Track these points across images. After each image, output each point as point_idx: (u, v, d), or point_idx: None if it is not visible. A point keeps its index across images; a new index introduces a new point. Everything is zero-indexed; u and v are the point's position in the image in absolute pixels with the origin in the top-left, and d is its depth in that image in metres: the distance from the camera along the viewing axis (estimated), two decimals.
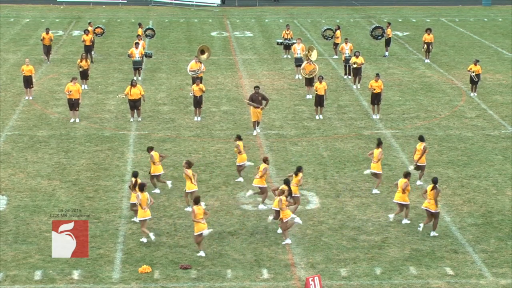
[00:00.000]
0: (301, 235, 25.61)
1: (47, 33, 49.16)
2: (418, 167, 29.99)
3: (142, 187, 25.03)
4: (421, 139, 30.20)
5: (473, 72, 42.13)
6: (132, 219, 26.26)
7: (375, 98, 38.18)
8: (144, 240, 24.87)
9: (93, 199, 28.30)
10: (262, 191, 27.69)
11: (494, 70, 48.27)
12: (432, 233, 25.59)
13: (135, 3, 75.53)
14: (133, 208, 25.99)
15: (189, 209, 26.70)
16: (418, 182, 29.83)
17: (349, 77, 45.62)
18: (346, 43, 46.50)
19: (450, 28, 63.47)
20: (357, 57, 43.44)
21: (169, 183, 28.90)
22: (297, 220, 24.85)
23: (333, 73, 47.27)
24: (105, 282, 22.49)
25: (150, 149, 28.93)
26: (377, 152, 29.00)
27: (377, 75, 38.81)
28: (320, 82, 37.78)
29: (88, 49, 49.22)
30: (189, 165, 27.02)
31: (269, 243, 25.01)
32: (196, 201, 24.08)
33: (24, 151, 33.13)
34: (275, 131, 36.03)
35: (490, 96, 42.28)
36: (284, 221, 24.78)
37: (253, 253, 24.29)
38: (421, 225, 25.76)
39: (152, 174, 28.84)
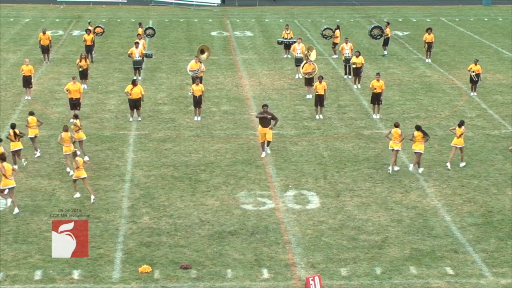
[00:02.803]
0: (301, 234, 25.62)
1: (44, 33, 49.19)
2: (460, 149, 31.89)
3: (3, 158, 26.97)
4: (461, 123, 31.77)
5: (473, 72, 42.14)
6: None
7: (376, 98, 38.19)
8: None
9: None
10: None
11: (494, 70, 48.28)
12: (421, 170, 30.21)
13: (135, 2, 75.56)
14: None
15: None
16: (462, 164, 31.79)
17: (349, 76, 45.63)
18: (346, 43, 46.51)
19: (450, 27, 63.49)
20: (357, 57, 43.47)
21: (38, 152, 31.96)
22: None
23: (333, 73, 47.28)
24: (105, 282, 22.50)
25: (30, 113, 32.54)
26: (459, 130, 31.45)
27: (378, 74, 38.81)
28: (320, 82, 37.79)
29: (89, 49, 49.24)
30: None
31: (269, 242, 25.02)
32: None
33: (24, 150, 33.09)
34: (275, 131, 36.00)
35: (490, 95, 42.28)
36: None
37: (253, 253, 24.30)
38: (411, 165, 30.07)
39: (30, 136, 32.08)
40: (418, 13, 70.45)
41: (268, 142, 32.74)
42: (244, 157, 32.73)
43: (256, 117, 33.27)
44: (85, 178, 28.04)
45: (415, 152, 30.94)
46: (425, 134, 30.70)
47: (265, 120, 32.24)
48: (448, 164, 31.45)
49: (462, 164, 31.66)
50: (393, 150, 30.98)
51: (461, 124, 31.66)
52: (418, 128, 30.93)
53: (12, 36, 58.25)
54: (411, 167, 31.14)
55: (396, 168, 31.08)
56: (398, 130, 30.95)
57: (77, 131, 31.94)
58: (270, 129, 32.42)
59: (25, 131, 32.29)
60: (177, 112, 39.10)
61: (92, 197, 27.98)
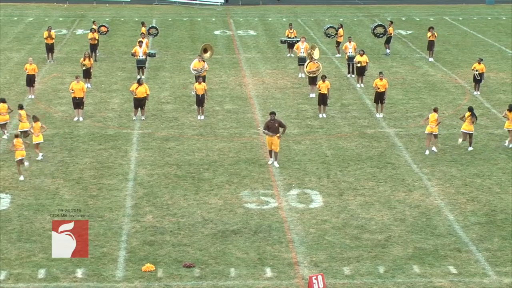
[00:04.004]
0: (304, 233, 25.62)
1: (49, 31, 49.21)
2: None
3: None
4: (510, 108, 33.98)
5: (477, 71, 42.11)
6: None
7: (379, 97, 38.18)
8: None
9: (96, 197, 28.32)
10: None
11: (497, 69, 48.24)
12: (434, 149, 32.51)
13: (139, 1, 75.60)
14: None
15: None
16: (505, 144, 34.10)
17: (353, 75, 45.62)
18: (349, 42, 46.52)
19: (453, 26, 63.46)
20: (361, 55, 43.49)
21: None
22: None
23: (337, 72, 47.27)
24: (108, 281, 22.51)
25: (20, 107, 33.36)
26: (467, 115, 33.43)
27: (381, 73, 38.80)
28: (324, 81, 37.79)
29: (94, 47, 49.28)
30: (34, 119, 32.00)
31: (272, 241, 25.02)
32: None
33: (27, 149, 33.12)
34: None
35: (494, 94, 42.24)
36: None
37: (256, 252, 24.30)
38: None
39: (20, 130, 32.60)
40: (421, 12, 70.41)
41: (276, 154, 31.46)
42: (247, 156, 32.73)
43: (263, 132, 31.67)
44: (22, 159, 29.93)
45: (464, 132, 33.44)
46: (473, 116, 33.29)
47: (273, 128, 31.03)
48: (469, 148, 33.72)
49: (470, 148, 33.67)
50: (429, 134, 33.05)
51: (470, 109, 33.79)
52: (470, 109, 33.54)
53: (16, 35, 58.30)
54: (470, 148, 33.54)
55: (434, 149, 33.12)
56: (435, 115, 32.94)
57: (22, 121, 33.19)
58: (278, 138, 31.07)
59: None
60: (180, 111, 39.11)
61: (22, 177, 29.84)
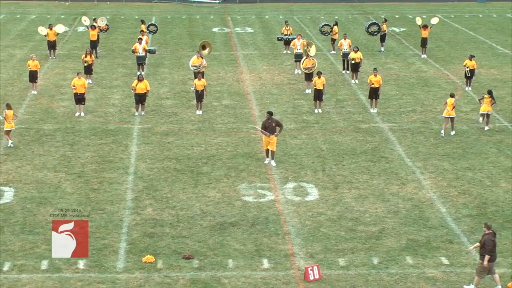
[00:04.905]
0: (300, 226, 25.66)
1: (51, 28, 49.17)
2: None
3: None
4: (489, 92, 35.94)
5: (467, 68, 42.15)
6: None
7: (373, 93, 38.20)
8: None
9: (98, 190, 28.34)
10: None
11: (488, 65, 48.28)
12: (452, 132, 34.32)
13: None
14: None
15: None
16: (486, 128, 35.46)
17: (347, 72, 45.63)
18: (344, 39, 46.53)
19: (445, 24, 63.45)
20: (355, 52, 43.51)
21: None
22: None
23: (332, 68, 47.28)
24: (109, 272, 22.54)
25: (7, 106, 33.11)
26: (486, 97, 35.64)
27: (375, 69, 38.82)
28: (319, 77, 37.80)
29: (94, 44, 49.23)
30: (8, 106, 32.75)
31: (269, 233, 25.06)
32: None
33: (30, 144, 33.17)
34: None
35: (485, 90, 42.08)
36: None
37: (254, 243, 24.33)
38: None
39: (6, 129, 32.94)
40: (414, 10, 70.38)
41: (273, 153, 31.08)
42: (244, 150, 32.76)
43: (261, 132, 31.25)
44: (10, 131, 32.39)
45: (482, 114, 35.89)
46: (492, 98, 35.54)
47: (270, 128, 30.71)
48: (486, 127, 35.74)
49: (486, 128, 35.68)
50: (447, 117, 34.76)
51: (489, 92, 35.96)
52: (489, 92, 35.71)
53: (19, 32, 58.24)
54: (486, 128, 35.55)
55: (452, 133, 34.69)
56: (452, 100, 34.63)
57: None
58: (275, 136, 30.69)
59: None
60: (179, 106, 39.11)
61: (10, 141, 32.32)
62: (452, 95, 35.22)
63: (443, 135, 34.46)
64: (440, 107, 39.18)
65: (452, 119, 34.93)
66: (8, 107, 32.94)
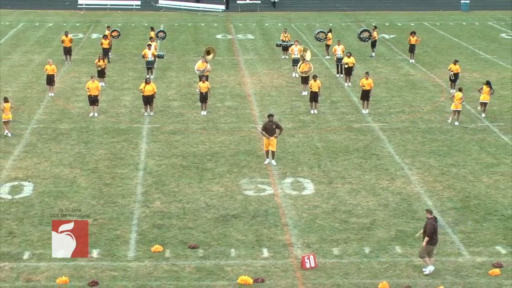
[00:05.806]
0: (297, 218, 25.65)
1: (66, 35, 49.15)
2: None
3: None
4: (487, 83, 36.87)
5: (452, 71, 42.17)
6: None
7: (365, 95, 38.18)
8: None
9: (110, 185, 28.33)
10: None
11: (471, 69, 48.24)
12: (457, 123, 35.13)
13: (148, 8, 75.45)
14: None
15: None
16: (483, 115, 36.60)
17: (341, 75, 45.60)
18: (338, 45, 46.49)
19: (432, 31, 63.40)
20: (348, 57, 43.48)
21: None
22: None
23: (326, 72, 47.24)
24: (121, 260, 22.54)
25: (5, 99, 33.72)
26: (485, 87, 36.63)
27: (367, 73, 38.79)
28: (315, 80, 37.78)
29: (106, 52, 49.19)
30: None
31: (269, 225, 25.05)
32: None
33: (48, 142, 33.16)
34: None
35: (468, 92, 42.15)
36: None
37: (254, 234, 24.33)
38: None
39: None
40: (403, 18, 70.34)
41: (273, 153, 30.64)
42: (246, 148, 32.74)
43: (261, 133, 30.66)
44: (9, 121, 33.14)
45: (481, 102, 36.99)
46: (491, 88, 36.50)
47: (270, 130, 30.28)
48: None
49: (483, 115, 36.76)
50: (454, 110, 35.47)
51: (488, 83, 36.92)
52: (488, 83, 36.70)
53: (37, 39, 58.21)
54: (483, 115, 36.65)
55: (456, 123, 35.43)
56: (460, 94, 35.42)
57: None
58: (275, 138, 30.22)
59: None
60: (185, 108, 39.10)
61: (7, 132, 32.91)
62: (460, 89, 36.17)
63: (450, 121, 35.73)
64: (427, 108, 39.19)
65: (458, 112, 35.62)
66: (6, 100, 33.71)
